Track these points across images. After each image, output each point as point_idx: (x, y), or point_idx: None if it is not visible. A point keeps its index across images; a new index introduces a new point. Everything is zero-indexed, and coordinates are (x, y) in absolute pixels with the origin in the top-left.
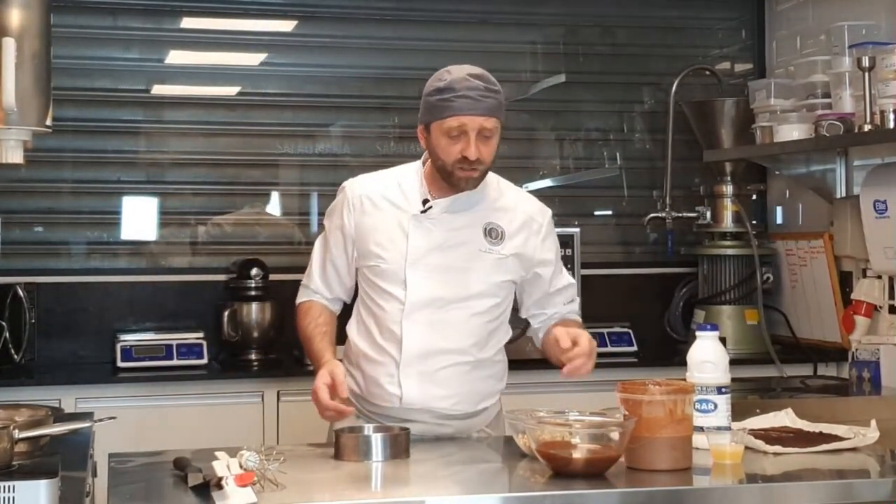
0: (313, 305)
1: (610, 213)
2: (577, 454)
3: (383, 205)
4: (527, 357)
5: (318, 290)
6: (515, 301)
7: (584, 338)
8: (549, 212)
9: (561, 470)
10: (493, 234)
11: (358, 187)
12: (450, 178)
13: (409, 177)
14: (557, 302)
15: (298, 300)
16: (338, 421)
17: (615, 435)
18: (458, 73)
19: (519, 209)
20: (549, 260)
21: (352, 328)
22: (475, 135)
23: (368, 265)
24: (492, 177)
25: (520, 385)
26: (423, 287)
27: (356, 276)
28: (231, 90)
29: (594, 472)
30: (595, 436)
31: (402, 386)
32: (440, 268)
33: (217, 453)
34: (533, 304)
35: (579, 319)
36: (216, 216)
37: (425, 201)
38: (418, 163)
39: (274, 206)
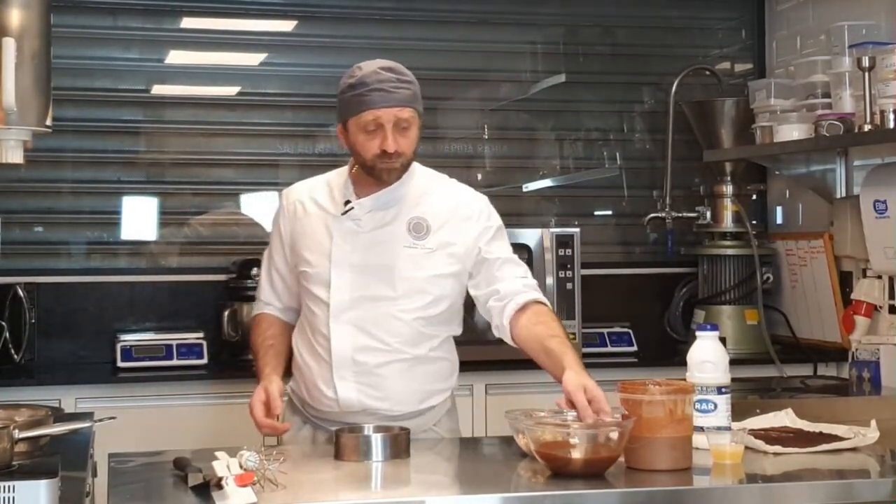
0: (263, 318)
1: (610, 213)
2: (575, 454)
3: (312, 209)
4: (526, 357)
5: (268, 300)
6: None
7: (598, 393)
8: (483, 198)
9: (560, 470)
10: (417, 228)
11: (293, 193)
12: (372, 173)
13: (337, 179)
14: (507, 276)
15: (252, 313)
16: (272, 436)
17: (614, 435)
18: (368, 67)
19: (447, 199)
20: (489, 243)
21: (295, 335)
22: (391, 127)
23: (300, 270)
24: (419, 169)
25: (520, 385)
26: (346, 288)
27: None
28: (231, 90)
29: (593, 473)
30: (594, 436)
31: (338, 389)
32: (364, 267)
33: (217, 453)
34: (482, 281)
35: (543, 298)
36: (216, 216)
37: (347, 202)
38: (347, 165)
39: (274, 206)
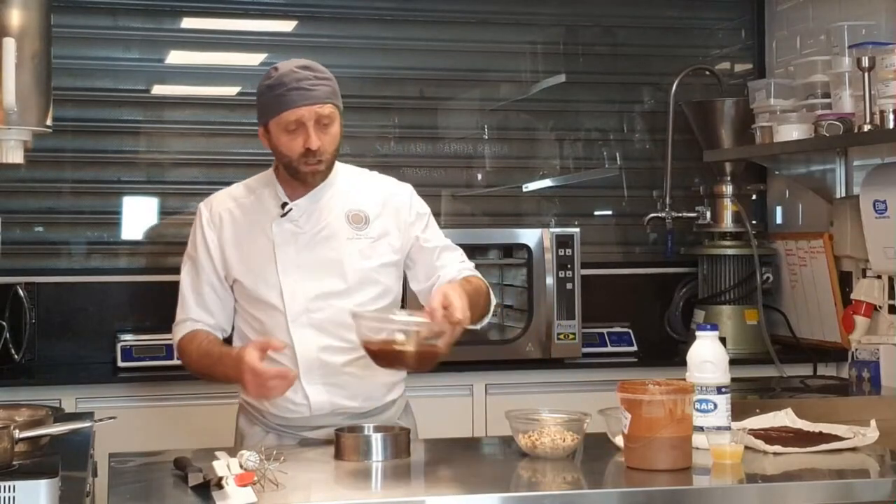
0: (197, 333)
1: (610, 213)
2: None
3: (241, 217)
4: (526, 357)
5: (199, 317)
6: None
7: (455, 301)
8: (408, 186)
9: (390, 364)
10: (356, 219)
11: (215, 203)
12: (297, 175)
13: (262, 185)
14: (447, 263)
15: (176, 338)
16: (284, 389)
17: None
18: (285, 67)
19: (376, 189)
20: (424, 231)
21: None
22: (313, 125)
23: (240, 280)
24: (343, 166)
25: (520, 385)
26: (299, 290)
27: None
28: (231, 90)
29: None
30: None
31: (309, 394)
32: (312, 266)
33: (217, 453)
34: (421, 272)
35: (476, 274)
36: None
37: (284, 205)
38: (270, 169)
39: None
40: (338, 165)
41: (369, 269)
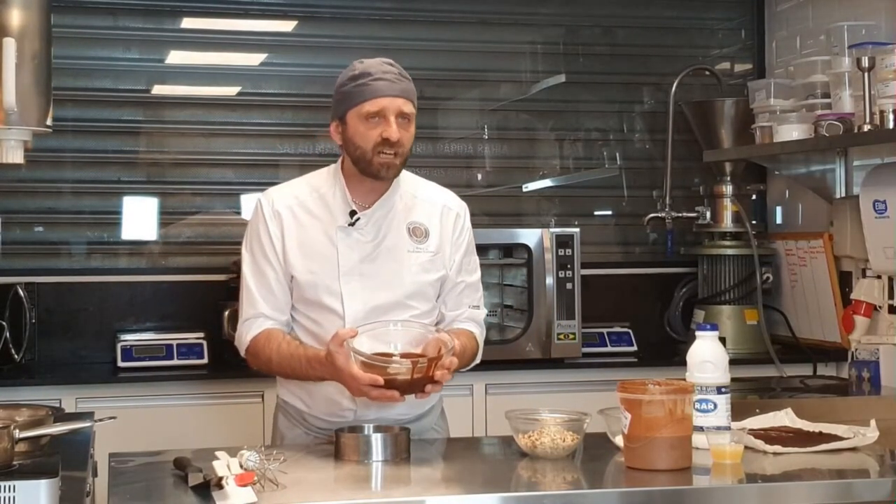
0: (272, 333)
1: (610, 213)
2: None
3: (304, 217)
4: (526, 357)
5: (270, 314)
6: None
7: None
8: (464, 205)
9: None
10: (416, 232)
11: (277, 199)
12: (369, 169)
13: (327, 184)
14: (464, 303)
15: (248, 336)
16: (385, 398)
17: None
18: (371, 61)
19: (434, 200)
20: (460, 253)
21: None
22: (394, 117)
23: (299, 280)
24: (403, 174)
25: (520, 385)
26: (359, 297)
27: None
28: (231, 90)
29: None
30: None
31: (357, 400)
32: (374, 275)
33: (217, 453)
34: (443, 304)
35: (475, 330)
36: (216, 216)
37: (352, 213)
38: (334, 167)
39: None
40: (402, 172)
41: (426, 283)
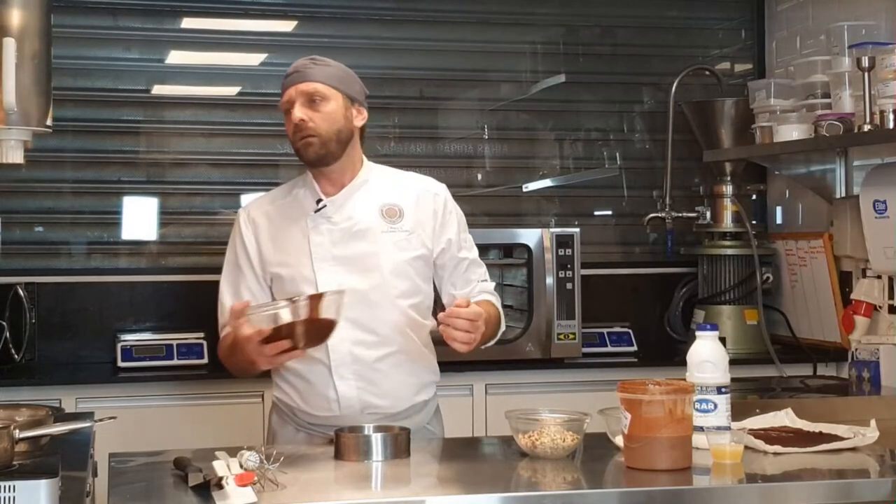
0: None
1: (610, 213)
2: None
3: (277, 217)
4: (526, 357)
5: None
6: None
7: (475, 308)
8: (443, 186)
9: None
10: (390, 213)
11: (251, 209)
12: (299, 156)
13: (299, 185)
14: (472, 279)
15: (220, 347)
16: (283, 352)
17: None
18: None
19: (411, 185)
20: (452, 231)
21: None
22: (301, 101)
23: (277, 276)
24: (378, 166)
25: (520, 385)
26: (334, 282)
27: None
28: (231, 90)
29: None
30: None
31: (338, 389)
32: (348, 259)
33: (217, 453)
34: (452, 285)
35: (491, 299)
36: (216, 216)
37: (319, 200)
38: (308, 170)
39: None
40: (371, 164)
41: (403, 261)
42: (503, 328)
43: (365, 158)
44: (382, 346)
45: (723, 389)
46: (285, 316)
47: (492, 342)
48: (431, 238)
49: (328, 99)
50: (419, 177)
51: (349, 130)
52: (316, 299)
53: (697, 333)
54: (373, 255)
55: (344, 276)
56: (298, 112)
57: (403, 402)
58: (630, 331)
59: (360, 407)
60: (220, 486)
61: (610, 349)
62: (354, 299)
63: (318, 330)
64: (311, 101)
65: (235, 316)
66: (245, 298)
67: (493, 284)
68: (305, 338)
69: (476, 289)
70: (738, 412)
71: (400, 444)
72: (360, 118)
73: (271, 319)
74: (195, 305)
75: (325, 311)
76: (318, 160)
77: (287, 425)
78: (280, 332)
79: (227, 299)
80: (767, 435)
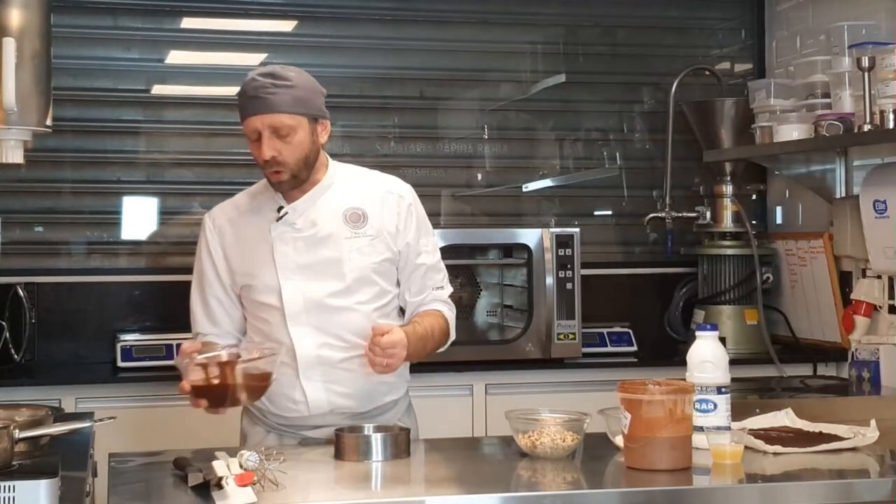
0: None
1: (610, 213)
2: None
3: (241, 224)
4: (526, 357)
5: (206, 330)
6: None
7: (397, 333)
8: (409, 187)
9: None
10: (353, 218)
11: (216, 215)
12: (268, 181)
13: (261, 190)
14: (427, 286)
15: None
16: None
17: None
18: (249, 76)
19: (375, 186)
20: (410, 236)
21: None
22: (268, 135)
23: (244, 285)
24: (342, 166)
25: (520, 385)
26: (297, 291)
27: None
28: (231, 90)
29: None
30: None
31: (306, 391)
32: (312, 267)
33: (217, 453)
34: (407, 290)
35: (442, 308)
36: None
37: (280, 208)
38: None
39: None
40: (337, 165)
41: (367, 267)
42: (452, 337)
43: (329, 159)
44: (347, 350)
45: (723, 389)
46: (195, 376)
47: (441, 349)
48: (396, 239)
49: (295, 130)
50: (385, 177)
51: (316, 152)
52: (228, 365)
53: (697, 333)
54: (336, 261)
55: (308, 283)
56: (268, 149)
57: (372, 402)
58: (630, 331)
59: (329, 407)
60: (220, 486)
61: (610, 349)
62: (319, 307)
63: (241, 390)
64: (280, 134)
65: (182, 355)
66: (213, 308)
67: (450, 291)
68: (219, 399)
69: (429, 296)
70: (738, 412)
71: (400, 444)
72: (324, 133)
73: (200, 373)
74: None
75: (255, 371)
76: (288, 188)
77: (257, 426)
78: (198, 390)
79: (197, 309)
80: (767, 435)
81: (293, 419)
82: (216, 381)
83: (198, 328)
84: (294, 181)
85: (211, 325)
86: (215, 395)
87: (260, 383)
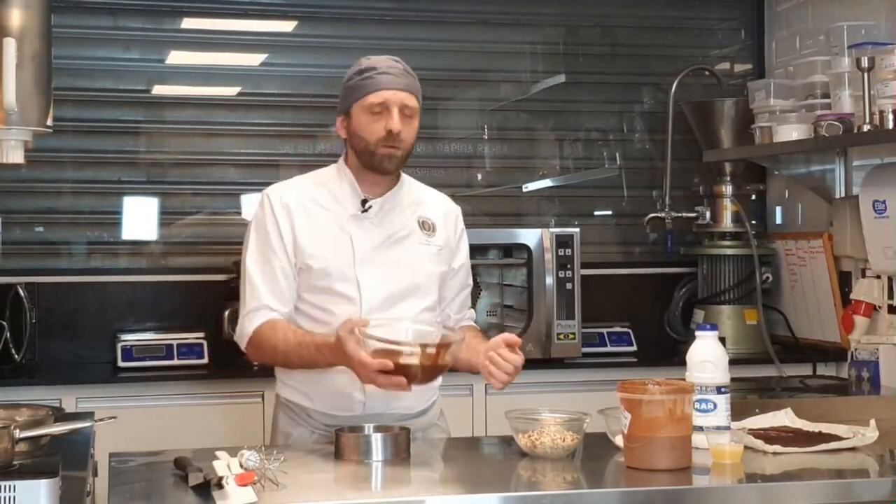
0: (277, 322)
1: (610, 213)
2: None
3: (315, 209)
4: (526, 357)
5: (274, 305)
6: None
7: (521, 358)
8: (458, 208)
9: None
10: (426, 226)
11: (282, 193)
12: (373, 160)
13: (332, 179)
14: (466, 306)
15: (252, 326)
16: (392, 385)
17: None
18: (377, 57)
19: (436, 203)
20: (465, 257)
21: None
22: (397, 110)
23: (308, 267)
24: (408, 177)
25: (520, 385)
26: (376, 284)
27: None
28: (231, 90)
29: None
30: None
31: (366, 389)
32: (389, 264)
33: (217, 453)
34: (450, 307)
35: (476, 326)
36: (217, 216)
37: (364, 201)
38: (338, 164)
39: None
40: (404, 174)
41: (434, 274)
42: None
43: None
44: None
45: (722, 389)
46: (411, 359)
47: None
48: (453, 257)
49: (416, 115)
50: (440, 194)
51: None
52: (444, 347)
53: (697, 333)
54: (409, 263)
55: (384, 279)
56: (398, 123)
57: (421, 405)
58: (630, 331)
59: (384, 409)
60: (220, 486)
61: (610, 349)
62: (391, 304)
63: (433, 372)
64: (406, 115)
65: (348, 328)
66: (279, 281)
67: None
68: (422, 378)
69: (467, 314)
70: (737, 412)
71: (400, 444)
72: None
73: (389, 353)
74: (195, 305)
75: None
76: (392, 171)
77: (300, 426)
78: (400, 370)
79: (257, 280)
80: (767, 435)
81: (345, 419)
82: (427, 363)
83: (263, 301)
84: (401, 162)
85: (277, 301)
86: (422, 372)
87: (442, 370)
